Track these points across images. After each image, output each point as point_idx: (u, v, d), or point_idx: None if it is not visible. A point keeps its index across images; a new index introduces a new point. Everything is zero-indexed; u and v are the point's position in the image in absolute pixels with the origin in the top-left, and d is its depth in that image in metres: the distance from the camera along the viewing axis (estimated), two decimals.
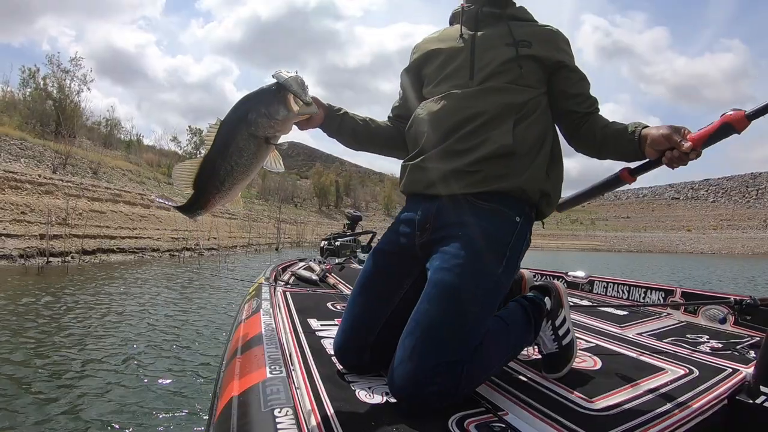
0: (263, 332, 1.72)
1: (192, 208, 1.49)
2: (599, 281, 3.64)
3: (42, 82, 26.94)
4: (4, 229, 12.69)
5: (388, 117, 1.91)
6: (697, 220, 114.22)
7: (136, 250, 16.23)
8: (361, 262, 5.08)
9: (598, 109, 1.65)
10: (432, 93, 1.69)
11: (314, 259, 4.65)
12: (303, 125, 1.56)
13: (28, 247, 12.46)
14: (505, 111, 1.55)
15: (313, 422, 1.16)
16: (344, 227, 6.29)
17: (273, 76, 1.42)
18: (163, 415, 3.17)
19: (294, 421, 1.04)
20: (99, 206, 17.39)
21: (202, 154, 1.44)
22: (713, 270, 23.98)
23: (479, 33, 1.67)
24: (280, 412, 1.08)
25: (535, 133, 1.58)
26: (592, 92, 1.67)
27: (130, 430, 2.96)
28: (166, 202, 1.77)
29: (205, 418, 2.76)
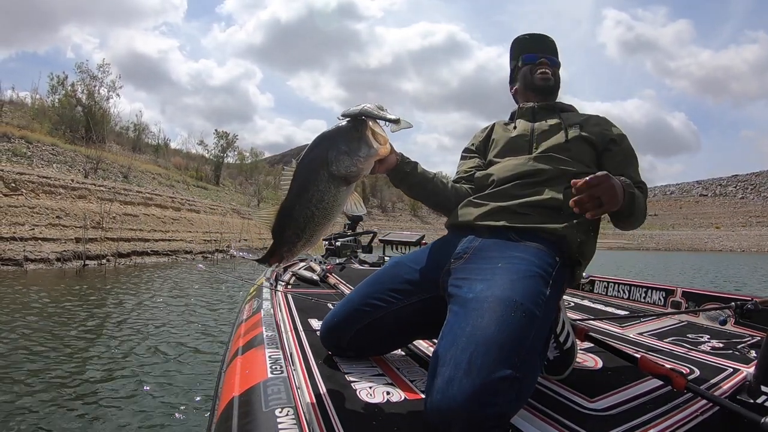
0: (264, 332, 1.74)
1: (274, 258, 1.41)
2: (600, 281, 3.65)
3: (71, 89, 27.35)
4: (41, 233, 12.99)
5: (455, 179, 2.05)
6: (726, 217, 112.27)
7: (169, 253, 16.48)
8: (362, 262, 5.14)
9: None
10: (498, 157, 1.94)
11: (315, 259, 4.66)
12: (376, 168, 1.53)
13: (64, 251, 12.75)
14: (561, 175, 1.74)
15: (315, 422, 1.18)
16: (345, 227, 6.23)
17: (344, 115, 1.37)
18: (164, 414, 3.21)
19: (295, 421, 1.05)
20: (131, 209, 17.67)
21: (281, 199, 1.35)
22: (752, 271, 22.99)
23: (536, 123, 1.94)
24: (281, 412, 1.09)
25: None
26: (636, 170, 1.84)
27: (131, 428, 3.02)
28: (246, 255, 1.71)
29: (206, 417, 2.73)
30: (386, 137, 1.38)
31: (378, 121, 1.37)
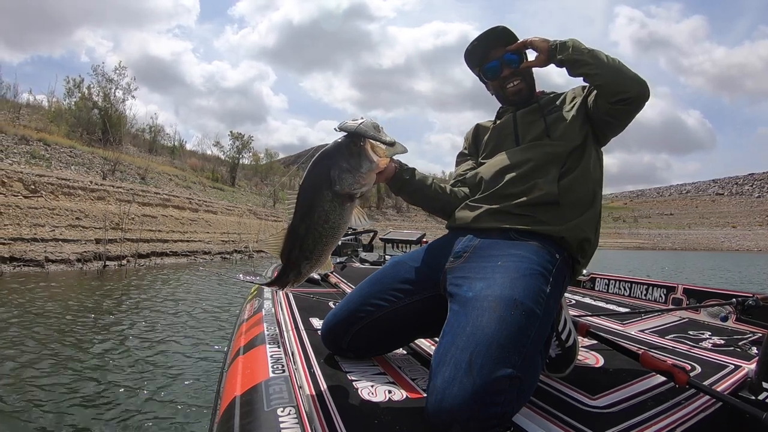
0: (265, 332, 1.74)
1: (283, 281, 1.40)
2: (600, 278, 3.64)
3: (87, 92, 27.54)
4: (61, 234, 13.03)
5: (452, 183, 2.06)
6: (743, 216, 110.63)
7: (188, 253, 16.43)
8: (362, 260, 5.12)
9: None
10: (487, 158, 1.93)
11: None
12: (376, 178, 1.50)
13: (84, 252, 12.79)
14: (549, 160, 1.72)
15: (316, 421, 1.17)
16: None
17: (340, 128, 1.35)
18: (165, 414, 3.21)
19: (297, 421, 1.05)
20: (150, 211, 17.73)
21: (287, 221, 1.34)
22: None
23: (518, 116, 1.90)
24: (282, 411, 1.09)
25: (582, 190, 1.71)
26: None
27: (133, 428, 3.02)
28: (253, 280, 1.71)
29: (208, 417, 2.78)
30: (384, 149, 1.38)
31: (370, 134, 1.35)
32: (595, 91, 1.73)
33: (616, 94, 1.65)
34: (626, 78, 1.64)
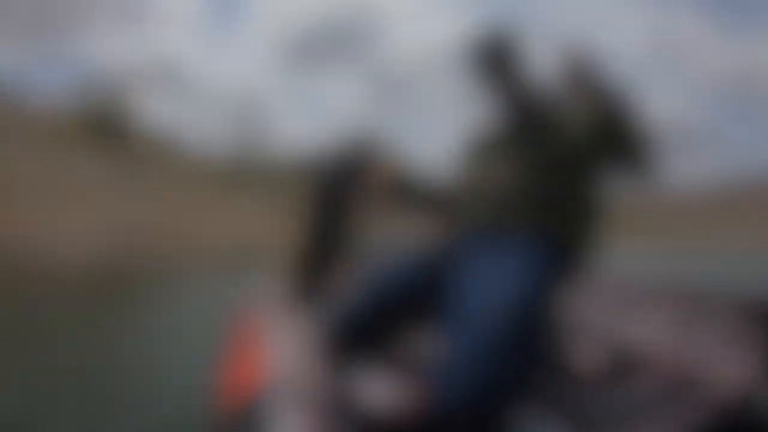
0: (266, 332, 1.74)
1: (297, 296, 1.48)
2: (600, 278, 3.43)
3: (95, 93, 27.68)
4: (72, 235, 13.05)
5: (450, 185, 2.03)
6: (752, 216, 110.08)
7: (201, 255, 16.43)
8: (362, 261, 4.92)
9: None
10: (484, 161, 1.89)
11: None
12: (379, 188, 1.54)
13: (95, 252, 12.85)
14: (548, 164, 1.70)
15: (316, 422, 1.15)
16: None
17: (343, 139, 1.39)
18: (165, 416, 3.16)
19: (298, 422, 1.04)
20: (160, 212, 17.76)
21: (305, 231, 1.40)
22: None
23: (517, 115, 1.85)
24: (283, 411, 1.09)
25: (583, 193, 1.70)
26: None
27: (132, 428, 2.98)
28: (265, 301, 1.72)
29: (208, 419, 2.68)
30: (386, 159, 1.43)
31: (375, 151, 1.41)
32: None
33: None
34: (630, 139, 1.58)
